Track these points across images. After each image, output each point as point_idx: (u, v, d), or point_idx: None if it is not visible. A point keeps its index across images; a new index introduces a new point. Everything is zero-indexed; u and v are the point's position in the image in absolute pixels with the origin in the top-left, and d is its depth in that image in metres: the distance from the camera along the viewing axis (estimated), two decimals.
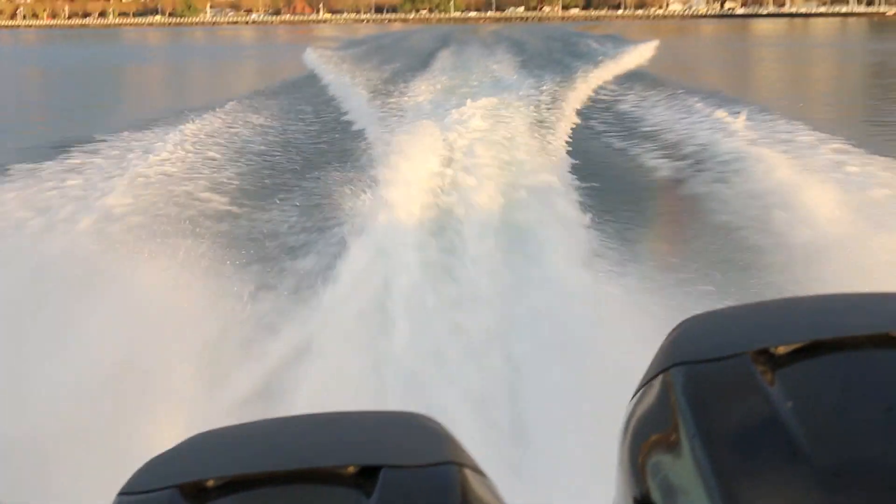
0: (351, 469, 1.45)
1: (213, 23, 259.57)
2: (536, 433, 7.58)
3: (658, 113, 23.02)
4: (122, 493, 1.43)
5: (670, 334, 1.66)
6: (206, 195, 14.92)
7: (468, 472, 1.53)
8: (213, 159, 17.43)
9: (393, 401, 8.23)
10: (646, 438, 1.48)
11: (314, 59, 36.37)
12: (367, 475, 1.43)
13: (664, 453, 1.35)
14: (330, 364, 9.33)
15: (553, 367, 8.78)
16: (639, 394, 1.57)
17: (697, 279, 10.97)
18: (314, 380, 8.97)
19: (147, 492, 1.46)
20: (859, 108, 51.50)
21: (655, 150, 18.60)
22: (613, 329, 9.33)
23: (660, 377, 1.54)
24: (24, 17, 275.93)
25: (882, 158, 16.08)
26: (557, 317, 10.01)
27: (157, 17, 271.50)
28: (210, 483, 1.47)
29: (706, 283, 10.77)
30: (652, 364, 1.61)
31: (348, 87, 27.26)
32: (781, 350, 1.49)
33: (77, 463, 7.24)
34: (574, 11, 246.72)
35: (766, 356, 1.47)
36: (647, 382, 1.57)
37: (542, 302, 10.56)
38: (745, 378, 1.44)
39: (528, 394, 8.46)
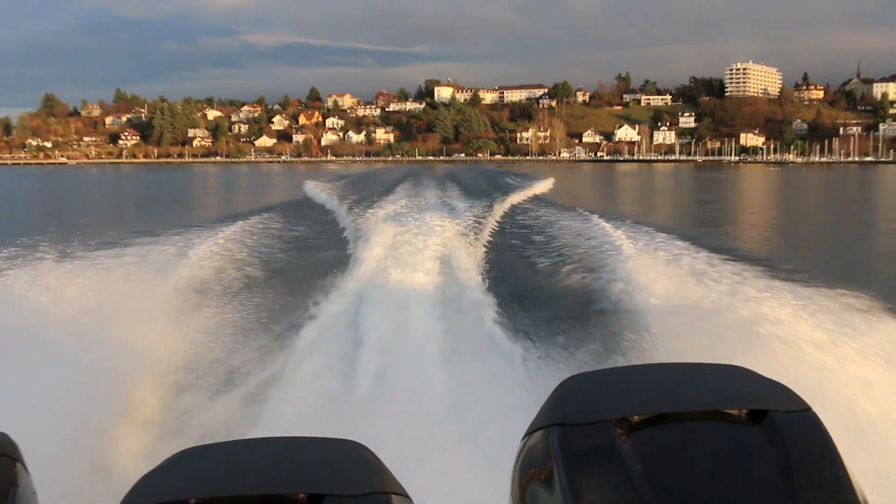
0: (302, 496, 1.37)
1: (255, 161, 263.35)
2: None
3: (553, 223, 22.69)
4: None
5: (554, 392, 1.50)
6: (235, 272, 14.32)
7: (395, 500, 1.44)
8: (244, 246, 17.03)
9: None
10: (530, 477, 1.37)
11: (311, 187, 36.37)
12: (314, 501, 1.37)
13: (544, 496, 1.33)
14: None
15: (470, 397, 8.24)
16: (527, 438, 1.42)
17: (579, 343, 10.03)
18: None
19: None
20: (687, 214, 53.73)
21: (550, 251, 18.02)
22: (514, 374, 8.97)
23: (542, 431, 1.41)
24: (126, 156, 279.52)
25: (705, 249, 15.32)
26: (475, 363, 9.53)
27: (218, 158, 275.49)
28: (192, 502, 1.36)
29: (586, 346, 9.88)
30: (538, 416, 1.45)
31: (333, 205, 27.82)
32: (636, 419, 1.40)
33: None
34: (497, 157, 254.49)
35: (624, 423, 1.39)
36: (532, 432, 1.42)
37: (465, 347, 10.04)
38: (608, 442, 1.35)
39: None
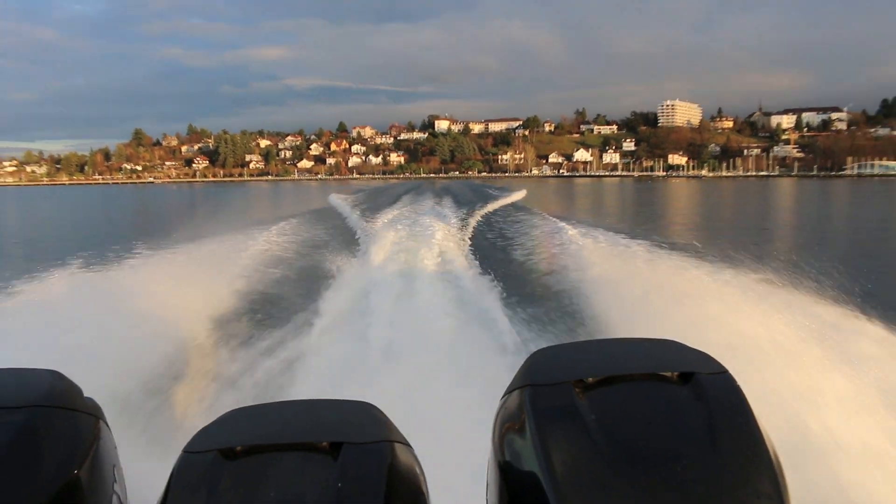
0: (325, 444, 1.41)
1: (298, 179, 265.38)
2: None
3: (523, 224, 22.19)
4: (185, 451, 1.38)
5: (527, 360, 1.53)
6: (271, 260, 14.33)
7: (398, 447, 1.47)
8: (285, 243, 17.07)
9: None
10: (507, 430, 1.40)
11: (334, 199, 35.82)
12: (335, 448, 1.40)
13: (519, 444, 1.36)
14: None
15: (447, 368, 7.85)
16: (505, 398, 1.46)
17: (548, 321, 9.93)
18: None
19: (198, 452, 1.37)
20: (627, 214, 53.92)
21: (522, 246, 17.85)
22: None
23: (517, 391, 1.44)
24: (199, 176, 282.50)
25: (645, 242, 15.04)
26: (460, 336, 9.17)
27: (269, 177, 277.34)
28: (239, 449, 1.40)
29: (554, 323, 9.81)
30: (513, 380, 1.48)
31: (348, 212, 27.31)
32: (591, 381, 1.42)
33: None
34: (483, 174, 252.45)
35: (581, 384, 1.41)
36: (509, 392, 1.46)
37: (458, 324, 9.71)
38: (568, 399, 1.38)
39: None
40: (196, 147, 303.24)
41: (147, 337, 7.52)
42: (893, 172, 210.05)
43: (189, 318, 8.71)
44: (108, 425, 1.57)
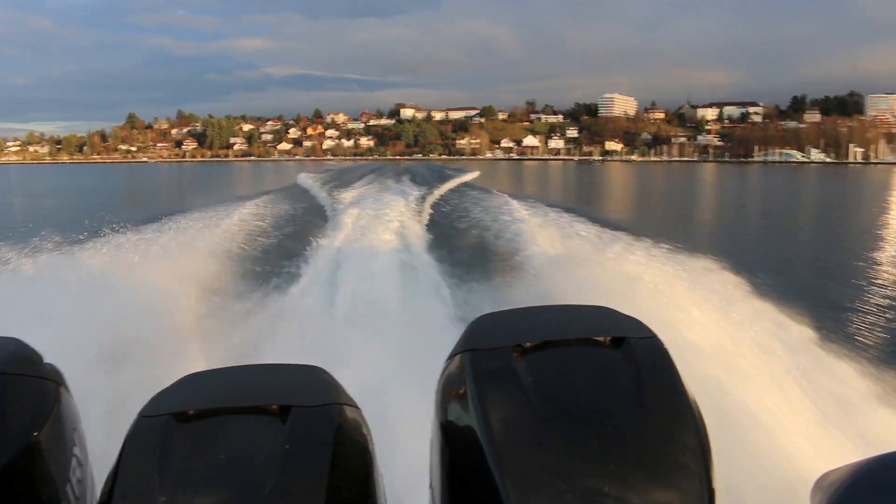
0: (274, 407, 1.34)
1: (278, 160, 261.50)
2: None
3: (475, 201, 21.81)
4: (140, 416, 1.33)
5: (469, 326, 1.48)
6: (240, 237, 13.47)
7: (346, 409, 1.41)
8: (258, 219, 16.09)
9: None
10: (449, 391, 1.36)
11: (303, 178, 34.53)
12: (284, 411, 1.34)
13: (460, 406, 1.32)
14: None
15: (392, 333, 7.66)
16: (448, 362, 1.42)
17: (492, 287, 9.84)
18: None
19: (152, 416, 1.32)
20: (569, 192, 54.31)
21: (473, 220, 17.53)
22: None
23: (459, 356, 1.40)
24: (188, 156, 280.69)
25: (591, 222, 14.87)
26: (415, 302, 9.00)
27: (252, 157, 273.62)
28: (191, 412, 1.33)
29: (499, 289, 9.68)
30: (456, 345, 1.44)
31: (317, 190, 26.22)
32: (528, 345, 1.37)
33: None
34: (443, 157, 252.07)
35: (519, 349, 1.37)
36: (452, 357, 1.43)
37: (414, 292, 9.46)
38: (507, 363, 1.34)
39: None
40: (185, 130, 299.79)
41: (113, 305, 7.05)
42: (793, 160, 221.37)
43: (156, 289, 8.21)
44: (69, 390, 1.50)
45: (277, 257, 11.75)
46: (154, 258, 9.75)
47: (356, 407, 1.47)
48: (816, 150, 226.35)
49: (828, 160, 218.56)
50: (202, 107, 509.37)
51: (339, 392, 1.47)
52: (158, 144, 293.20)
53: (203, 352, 7.13)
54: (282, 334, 7.77)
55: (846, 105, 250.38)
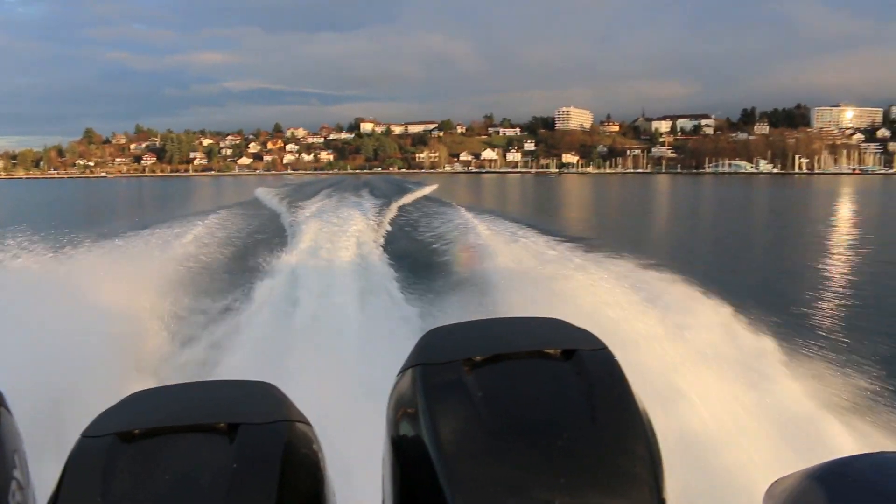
0: (222, 425, 1.28)
1: (238, 174, 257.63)
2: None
3: (434, 214, 21.71)
4: (82, 436, 1.26)
5: (419, 340, 1.44)
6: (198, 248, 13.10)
7: (297, 426, 1.33)
8: (215, 233, 15.57)
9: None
10: (399, 406, 1.33)
11: (261, 192, 34.08)
12: (232, 429, 1.27)
13: (410, 421, 1.28)
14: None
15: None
16: (399, 377, 1.39)
17: (447, 299, 9.80)
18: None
19: (95, 436, 1.25)
20: (527, 205, 54.65)
21: (431, 232, 17.42)
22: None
23: (409, 370, 1.36)
24: (147, 171, 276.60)
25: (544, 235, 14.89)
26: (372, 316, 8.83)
27: (212, 172, 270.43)
28: (136, 431, 1.26)
29: (453, 302, 9.62)
30: (407, 359, 1.40)
31: (275, 204, 25.94)
32: (478, 359, 1.33)
33: None
34: (403, 170, 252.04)
35: (469, 362, 1.33)
36: (402, 372, 1.39)
37: (372, 307, 9.31)
38: (457, 377, 1.29)
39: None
40: (144, 145, 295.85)
41: (59, 322, 6.80)
42: (742, 171, 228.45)
43: (107, 306, 7.94)
44: (9, 411, 1.38)
45: (234, 272, 11.54)
46: (106, 274, 9.45)
47: (307, 423, 1.38)
48: (764, 161, 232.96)
49: (775, 171, 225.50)
50: (161, 121, 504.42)
51: (289, 408, 1.38)
52: (117, 159, 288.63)
53: (154, 369, 6.96)
54: (236, 349, 7.63)
55: (793, 117, 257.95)
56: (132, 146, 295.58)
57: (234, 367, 6.98)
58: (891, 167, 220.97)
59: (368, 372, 6.31)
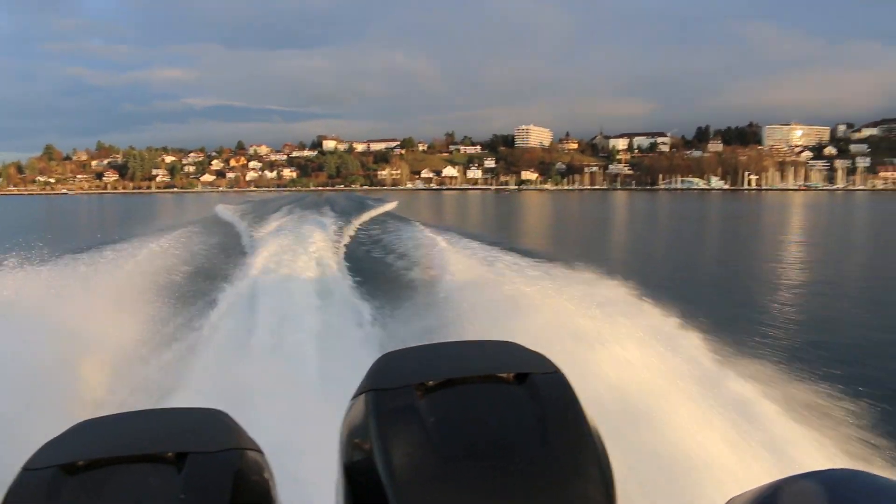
0: (170, 454, 1.24)
1: (202, 191, 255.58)
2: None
3: (394, 231, 21.42)
4: (23, 469, 1.22)
5: (372, 365, 1.42)
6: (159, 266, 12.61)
7: (248, 454, 1.30)
8: (172, 251, 15.02)
9: None
10: (352, 432, 1.31)
11: (221, 209, 33.23)
12: (180, 458, 1.23)
13: (363, 447, 1.27)
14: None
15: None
16: (352, 402, 1.36)
17: (411, 323, 9.33)
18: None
19: (37, 469, 1.20)
20: (488, 222, 54.73)
21: (391, 250, 17.14)
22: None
23: (362, 396, 1.34)
24: (109, 188, 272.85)
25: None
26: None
27: (175, 189, 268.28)
28: (80, 463, 1.22)
29: (414, 325, 9.18)
30: (360, 385, 1.38)
31: (236, 221, 25.37)
32: (431, 383, 1.33)
33: None
34: (365, 187, 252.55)
35: (422, 387, 1.33)
36: (356, 397, 1.37)
37: (332, 328, 8.90)
38: (409, 402, 1.29)
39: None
40: (105, 161, 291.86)
41: (1, 347, 6.48)
42: (694, 187, 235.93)
43: (56, 329, 7.53)
44: None
45: (190, 292, 11.10)
46: (57, 295, 9.03)
47: (259, 451, 1.32)
48: (716, 178, 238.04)
49: (725, 187, 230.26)
50: (121, 137, 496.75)
51: (240, 436, 1.33)
52: (78, 176, 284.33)
53: (103, 396, 6.61)
54: (190, 374, 7.23)
55: (745, 135, 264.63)
56: (94, 163, 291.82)
57: (187, 392, 6.61)
58: (834, 183, 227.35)
59: (326, 396, 6.06)
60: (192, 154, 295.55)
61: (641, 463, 4.51)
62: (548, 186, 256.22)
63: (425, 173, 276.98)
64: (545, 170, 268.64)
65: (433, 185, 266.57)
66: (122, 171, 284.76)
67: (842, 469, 1.10)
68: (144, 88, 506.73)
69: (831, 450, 6.16)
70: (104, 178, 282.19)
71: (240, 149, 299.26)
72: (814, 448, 6.07)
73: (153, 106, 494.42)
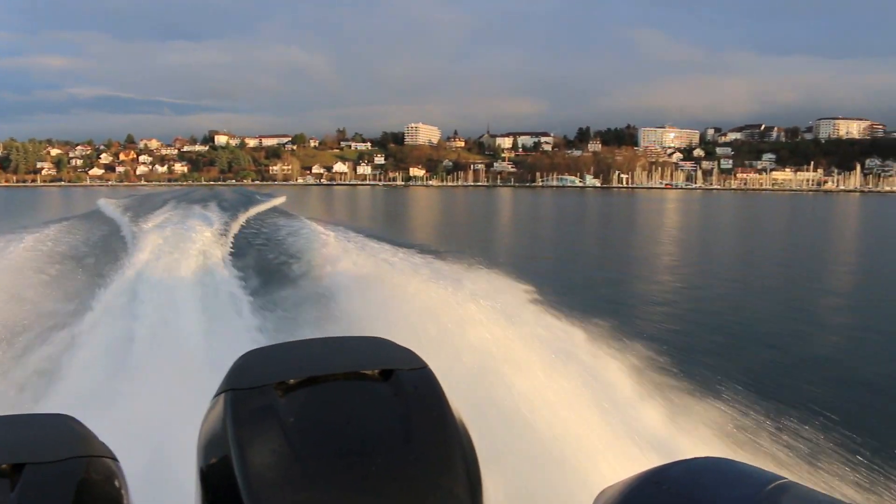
0: (5, 466, 1.12)
1: (90, 185, 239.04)
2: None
3: (281, 226, 20.90)
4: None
5: (233, 364, 1.39)
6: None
7: (96, 462, 1.22)
8: (45, 249, 13.81)
9: None
10: (209, 434, 1.24)
11: (104, 203, 30.70)
12: (16, 470, 1.12)
13: (219, 450, 1.21)
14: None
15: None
16: (212, 403, 1.31)
17: (295, 320, 8.85)
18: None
19: None
20: (375, 216, 54.14)
21: (276, 245, 16.67)
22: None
23: (220, 396, 1.30)
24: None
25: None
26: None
27: (62, 183, 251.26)
28: None
29: (301, 315, 8.83)
30: (220, 384, 1.34)
31: (118, 216, 23.92)
32: (292, 382, 1.28)
33: None
34: (256, 182, 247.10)
35: (283, 386, 1.28)
36: (214, 397, 1.32)
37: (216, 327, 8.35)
38: (268, 402, 1.24)
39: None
40: None
41: None
42: (569, 184, 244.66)
43: None
44: None
45: (64, 290, 10.19)
46: None
47: (112, 458, 1.25)
48: (591, 177, 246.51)
49: (598, 185, 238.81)
50: (1, 128, 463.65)
51: (90, 443, 1.26)
52: None
53: None
54: (60, 377, 6.66)
55: (623, 136, 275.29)
56: None
57: (54, 397, 6.06)
58: (693, 183, 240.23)
59: (201, 395, 5.64)
60: (79, 147, 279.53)
61: (512, 456, 4.41)
62: (433, 183, 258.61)
63: (316, 169, 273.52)
64: (433, 167, 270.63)
65: (323, 181, 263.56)
66: (3, 163, 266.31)
67: (705, 457, 1.12)
68: (25, 76, 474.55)
69: (697, 437, 6.29)
70: None
71: (129, 142, 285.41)
72: (682, 436, 6.19)
73: (35, 95, 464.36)
